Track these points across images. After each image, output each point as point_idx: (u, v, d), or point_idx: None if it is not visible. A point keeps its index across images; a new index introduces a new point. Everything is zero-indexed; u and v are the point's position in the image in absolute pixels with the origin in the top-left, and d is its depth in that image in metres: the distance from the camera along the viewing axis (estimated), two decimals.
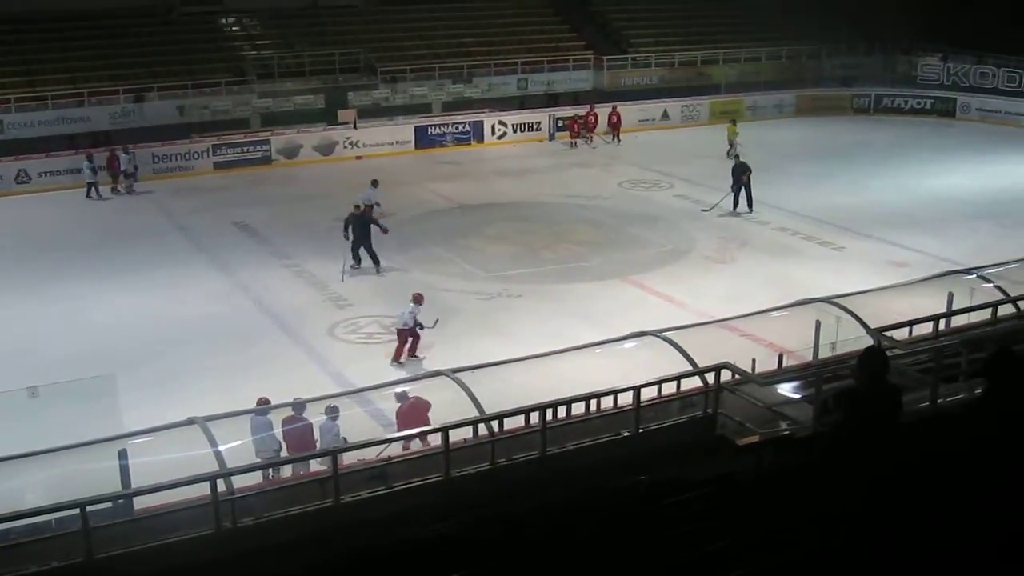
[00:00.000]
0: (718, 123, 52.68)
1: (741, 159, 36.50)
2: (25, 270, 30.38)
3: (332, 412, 16.70)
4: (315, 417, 16.61)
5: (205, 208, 37.29)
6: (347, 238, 29.78)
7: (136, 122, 43.48)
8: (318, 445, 16.34)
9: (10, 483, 13.11)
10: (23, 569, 11.33)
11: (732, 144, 44.34)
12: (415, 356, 23.82)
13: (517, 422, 14.72)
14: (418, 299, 24.01)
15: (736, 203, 35.98)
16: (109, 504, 12.77)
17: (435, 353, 22.79)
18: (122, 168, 39.99)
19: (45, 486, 13.35)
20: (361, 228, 29.89)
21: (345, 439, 16.11)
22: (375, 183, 35.38)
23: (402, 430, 16.74)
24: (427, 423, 15.88)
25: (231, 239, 33.54)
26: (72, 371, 18.91)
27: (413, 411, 16.98)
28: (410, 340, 23.81)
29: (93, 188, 39.30)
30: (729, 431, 14.58)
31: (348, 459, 14.55)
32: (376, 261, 29.95)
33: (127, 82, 44.07)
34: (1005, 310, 18.50)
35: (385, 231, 30.38)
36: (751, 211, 35.77)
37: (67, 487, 12.43)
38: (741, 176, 35.95)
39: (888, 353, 12.80)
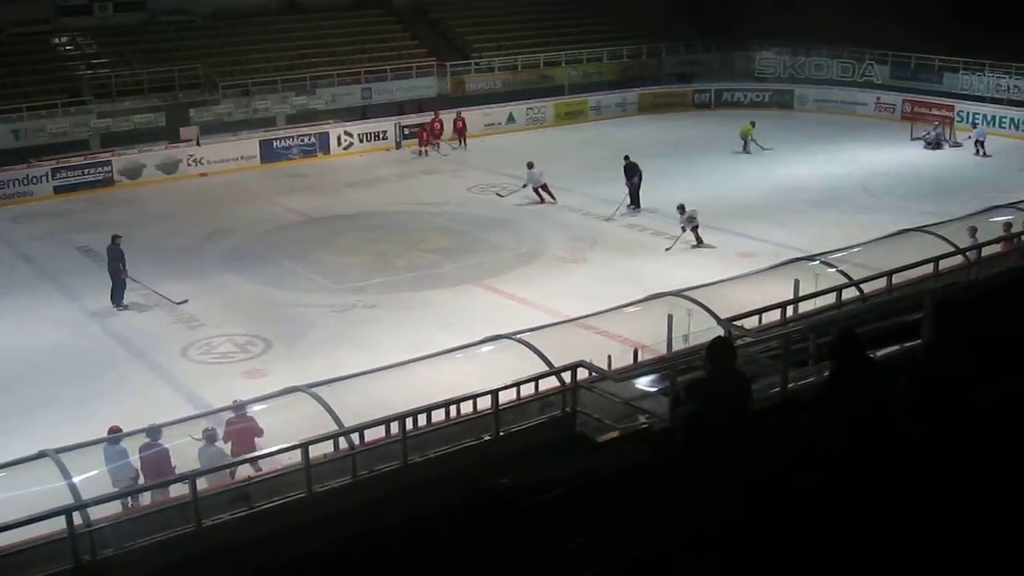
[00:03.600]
0: (563, 124, 53.32)
1: (628, 159, 37.01)
2: None
3: (209, 434, 16.41)
4: (174, 441, 16.30)
5: (47, 234, 36.30)
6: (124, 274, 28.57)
7: None
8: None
9: None
10: None
11: (746, 141, 45.33)
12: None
13: (378, 433, 14.69)
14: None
15: (632, 200, 36.43)
16: None
17: (290, 369, 22.54)
18: None
19: None
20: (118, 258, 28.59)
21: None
22: (531, 165, 37.36)
23: (232, 444, 16.69)
24: (254, 449, 15.76)
25: (76, 264, 32.63)
26: None
27: (242, 434, 16.72)
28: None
29: None
30: (588, 428, 14.76)
31: (216, 480, 14.42)
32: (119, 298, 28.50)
33: None
34: (849, 293, 19.06)
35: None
36: (638, 210, 36.21)
37: None
38: (633, 176, 36.40)
39: (739, 342, 13.11)
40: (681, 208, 31.70)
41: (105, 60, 48.40)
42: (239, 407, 16.95)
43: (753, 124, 46.32)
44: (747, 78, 58.50)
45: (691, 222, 31.37)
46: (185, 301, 28.21)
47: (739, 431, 8.59)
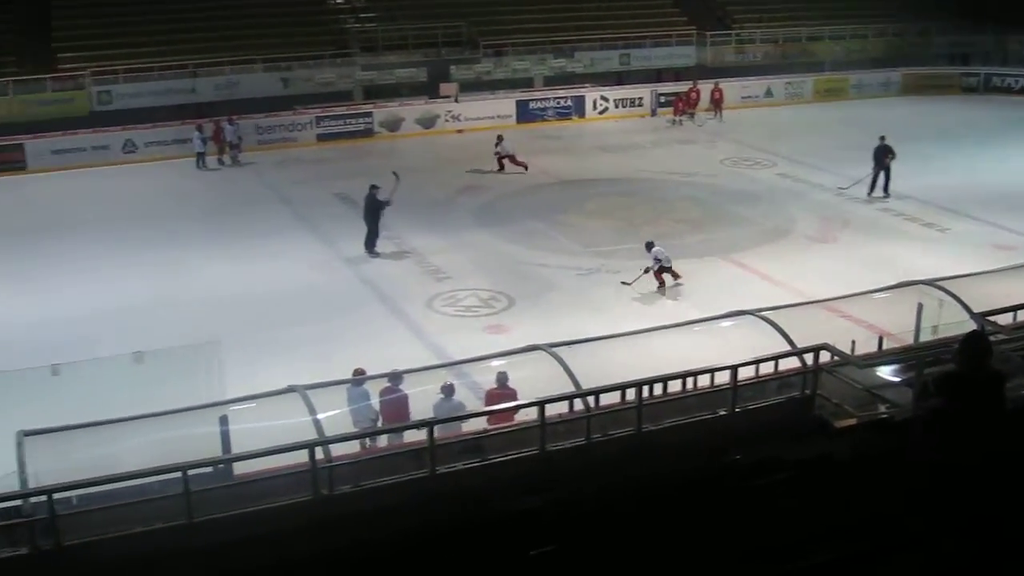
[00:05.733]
0: (822, 101, 52.21)
1: (883, 140, 35.31)
2: (132, 238, 30.95)
3: (448, 390, 16.77)
4: (413, 388, 16.70)
5: (308, 179, 37.76)
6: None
7: (241, 94, 44.07)
8: None
9: (115, 446, 13.39)
10: (129, 529, 11.58)
11: None
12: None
13: (613, 398, 14.71)
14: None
15: (873, 187, 35.09)
16: (210, 468, 12.98)
17: (531, 327, 22.81)
18: (227, 139, 40.62)
19: (149, 450, 13.59)
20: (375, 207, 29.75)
21: None
22: (500, 137, 39.50)
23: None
24: (510, 413, 15.92)
25: (332, 210, 33.88)
26: (176, 338, 19.23)
27: (500, 398, 16.95)
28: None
29: (201, 159, 39.98)
30: (827, 412, 14.42)
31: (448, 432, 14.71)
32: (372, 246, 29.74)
33: (232, 54, 44.66)
34: None
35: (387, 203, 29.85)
36: (887, 196, 34.88)
37: (170, 451, 12.64)
38: (883, 158, 35.00)
39: (992, 338, 12.60)
40: (648, 245, 27.27)
41: (373, 15, 49.80)
42: (503, 378, 17.14)
43: None
44: (1022, 63, 55.85)
45: (656, 263, 26.68)
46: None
47: (990, 431, 8.26)
